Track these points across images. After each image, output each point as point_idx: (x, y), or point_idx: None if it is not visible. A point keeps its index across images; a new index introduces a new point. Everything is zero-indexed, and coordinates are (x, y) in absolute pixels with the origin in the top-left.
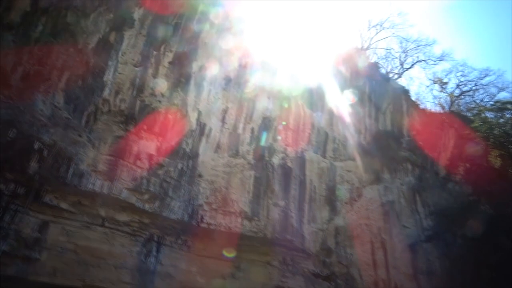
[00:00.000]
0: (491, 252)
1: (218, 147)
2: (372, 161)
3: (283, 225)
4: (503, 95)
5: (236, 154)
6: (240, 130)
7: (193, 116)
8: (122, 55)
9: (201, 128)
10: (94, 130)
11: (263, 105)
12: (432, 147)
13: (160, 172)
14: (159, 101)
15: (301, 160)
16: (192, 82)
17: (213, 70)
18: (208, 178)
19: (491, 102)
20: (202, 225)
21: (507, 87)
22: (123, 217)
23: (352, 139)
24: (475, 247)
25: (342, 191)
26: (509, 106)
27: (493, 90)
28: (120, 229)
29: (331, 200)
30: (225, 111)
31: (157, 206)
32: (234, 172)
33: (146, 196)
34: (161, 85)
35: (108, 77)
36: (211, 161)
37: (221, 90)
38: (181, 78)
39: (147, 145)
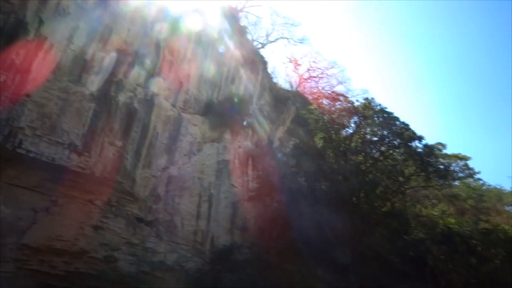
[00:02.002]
0: (296, 217)
1: (57, 68)
2: (218, 120)
3: (116, 166)
4: (339, 88)
5: (78, 81)
6: (88, 56)
7: (32, 25)
8: None
9: (41, 40)
10: None
11: (121, 36)
12: (274, 119)
13: None
14: None
15: (149, 104)
16: None
17: None
18: (37, 100)
19: (329, 92)
20: (20, 150)
21: (344, 82)
22: None
23: (205, 95)
24: (286, 211)
25: (184, 143)
26: (340, 98)
27: (334, 81)
28: None
29: (170, 150)
30: (74, 30)
31: None
32: (72, 101)
33: None
34: None
35: None
36: (45, 81)
37: (74, 6)
38: None
39: None
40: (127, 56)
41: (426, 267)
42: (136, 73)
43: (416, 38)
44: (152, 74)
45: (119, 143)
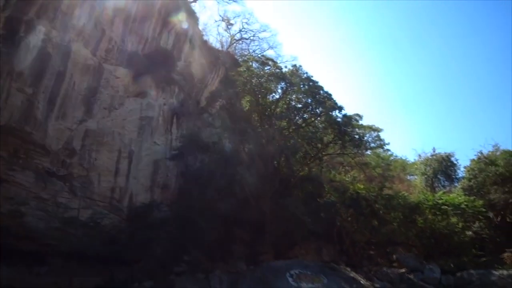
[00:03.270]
0: (218, 177)
1: None
2: (143, 74)
3: (25, 115)
4: (270, 53)
5: None
6: None
7: None
8: None
9: None
10: None
11: None
12: (202, 78)
13: None
14: None
15: (66, 50)
16: None
17: None
18: None
19: (259, 55)
20: None
21: (275, 47)
22: None
23: (130, 46)
24: (208, 171)
25: (104, 95)
26: (270, 62)
27: (265, 45)
28: None
29: (89, 102)
30: None
31: None
32: None
33: None
34: None
35: None
36: None
37: None
38: None
39: None
40: None
41: (334, 228)
42: (51, 14)
43: (350, 10)
44: (70, 16)
45: (29, 90)
